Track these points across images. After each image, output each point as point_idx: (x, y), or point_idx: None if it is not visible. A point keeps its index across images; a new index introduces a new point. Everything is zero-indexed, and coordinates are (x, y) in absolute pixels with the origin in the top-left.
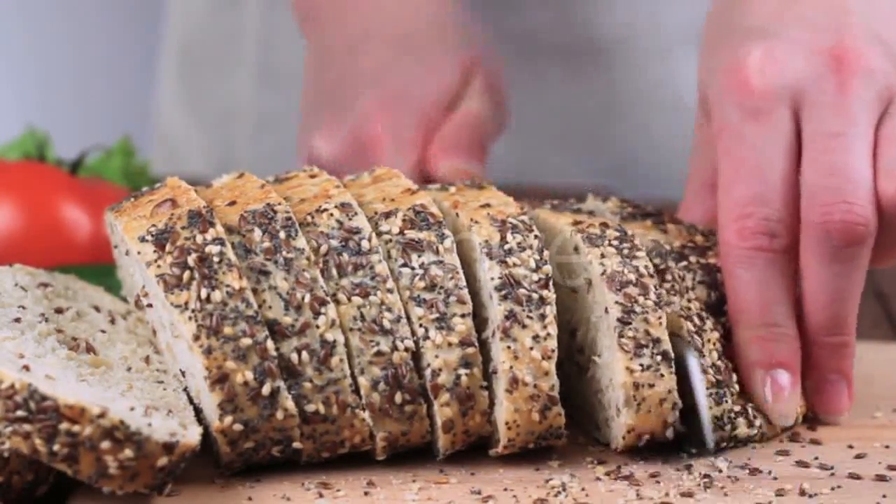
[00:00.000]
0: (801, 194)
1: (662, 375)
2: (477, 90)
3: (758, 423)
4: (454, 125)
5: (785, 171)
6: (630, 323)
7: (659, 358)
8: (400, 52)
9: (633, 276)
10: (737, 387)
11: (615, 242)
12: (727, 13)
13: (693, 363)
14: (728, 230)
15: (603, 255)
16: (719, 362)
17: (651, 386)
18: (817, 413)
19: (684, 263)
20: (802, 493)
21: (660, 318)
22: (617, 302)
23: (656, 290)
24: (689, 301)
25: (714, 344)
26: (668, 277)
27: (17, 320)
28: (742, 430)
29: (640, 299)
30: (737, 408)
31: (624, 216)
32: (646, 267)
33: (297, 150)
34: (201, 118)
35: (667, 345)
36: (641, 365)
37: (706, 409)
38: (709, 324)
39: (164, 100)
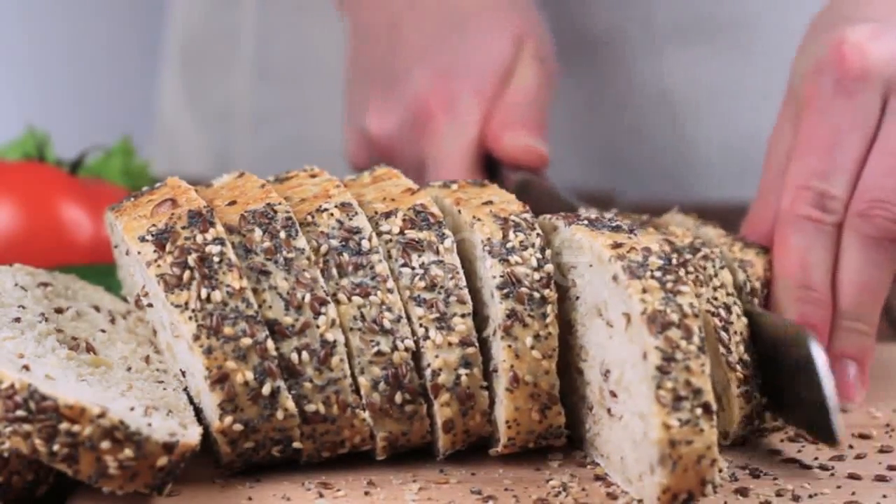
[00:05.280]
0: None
1: (702, 430)
2: (528, 60)
3: None
4: (513, 98)
5: (857, 155)
6: (669, 372)
7: (699, 411)
8: (447, 24)
9: (675, 317)
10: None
11: (658, 274)
12: (837, 9)
13: (819, 359)
14: (787, 195)
15: (644, 290)
16: (746, 356)
17: (689, 443)
18: None
19: (702, 254)
20: (803, 493)
21: (702, 364)
22: (657, 347)
23: (700, 332)
24: (714, 289)
25: (741, 334)
26: (690, 269)
27: (17, 320)
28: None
29: (683, 344)
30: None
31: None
32: (690, 305)
33: (345, 130)
34: (200, 116)
35: (709, 395)
36: (679, 420)
37: (833, 405)
38: (735, 311)
39: (165, 98)
